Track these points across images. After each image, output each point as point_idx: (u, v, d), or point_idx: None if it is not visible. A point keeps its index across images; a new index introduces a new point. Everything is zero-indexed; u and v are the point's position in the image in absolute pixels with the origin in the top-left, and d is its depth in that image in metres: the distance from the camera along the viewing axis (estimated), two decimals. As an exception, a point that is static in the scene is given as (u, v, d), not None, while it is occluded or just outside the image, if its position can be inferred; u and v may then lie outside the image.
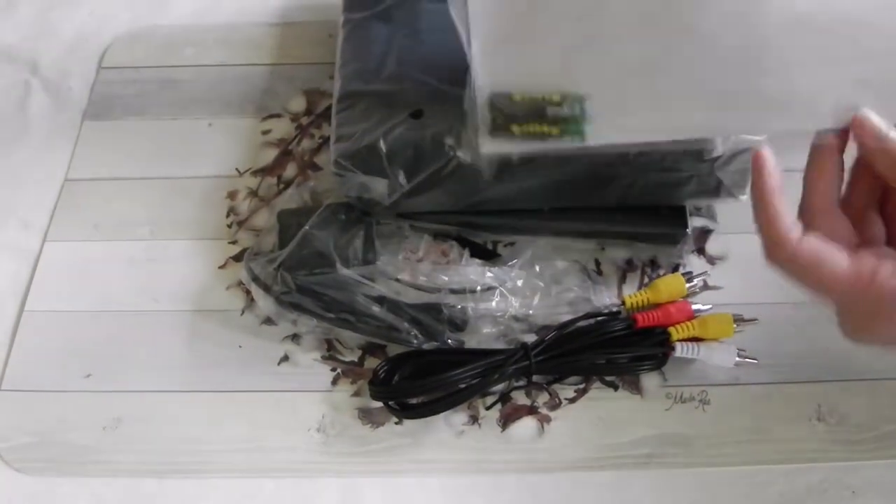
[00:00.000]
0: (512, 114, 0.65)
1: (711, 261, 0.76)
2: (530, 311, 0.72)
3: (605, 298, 0.71)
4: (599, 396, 0.71)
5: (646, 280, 0.75)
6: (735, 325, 0.71)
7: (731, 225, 0.77)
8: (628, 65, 0.63)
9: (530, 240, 0.76)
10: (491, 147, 0.66)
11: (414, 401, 0.69)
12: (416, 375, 0.70)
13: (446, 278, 0.72)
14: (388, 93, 0.75)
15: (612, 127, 0.64)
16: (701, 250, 0.77)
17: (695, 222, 0.77)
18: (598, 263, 0.76)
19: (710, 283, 0.75)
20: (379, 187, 0.74)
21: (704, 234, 0.77)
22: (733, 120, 0.63)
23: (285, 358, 0.74)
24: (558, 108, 0.64)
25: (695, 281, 0.73)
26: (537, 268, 0.73)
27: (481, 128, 0.66)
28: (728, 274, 0.75)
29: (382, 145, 0.72)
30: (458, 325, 0.71)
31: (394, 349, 0.73)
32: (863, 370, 0.71)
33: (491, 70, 0.65)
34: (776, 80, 0.61)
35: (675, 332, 0.70)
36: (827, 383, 0.70)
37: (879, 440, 0.68)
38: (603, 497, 0.67)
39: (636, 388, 0.71)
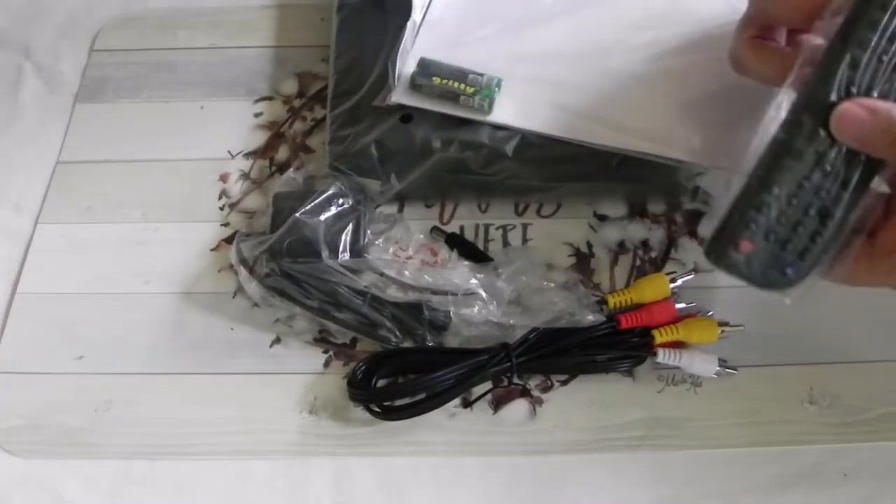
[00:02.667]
0: (435, 73, 0.75)
1: (703, 243, 0.76)
2: (511, 321, 0.71)
3: (589, 316, 0.70)
4: (591, 379, 0.71)
5: (637, 262, 0.75)
6: (720, 331, 0.70)
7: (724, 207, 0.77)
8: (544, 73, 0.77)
9: (522, 249, 0.77)
10: (402, 98, 0.76)
11: (393, 403, 0.69)
12: (395, 375, 0.70)
13: (430, 279, 0.72)
14: (379, 93, 0.77)
15: (515, 112, 0.75)
16: (692, 233, 0.77)
17: (687, 205, 0.78)
18: (590, 246, 0.76)
19: (702, 267, 0.74)
20: (373, 187, 0.76)
21: (696, 216, 0.77)
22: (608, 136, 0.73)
23: (277, 340, 0.74)
24: (478, 77, 0.75)
25: (679, 281, 0.73)
26: (524, 277, 0.72)
27: (401, 80, 0.76)
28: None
29: (374, 151, 0.75)
30: (439, 327, 0.71)
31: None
32: (855, 352, 0.71)
33: (426, 44, 0.79)
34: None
35: (659, 335, 0.70)
36: (819, 366, 0.70)
37: (871, 423, 0.68)
38: (595, 479, 0.67)
39: (628, 371, 0.71)
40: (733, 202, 0.58)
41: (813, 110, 0.56)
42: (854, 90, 0.55)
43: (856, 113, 0.54)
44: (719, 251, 0.58)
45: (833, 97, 0.55)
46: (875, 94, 0.55)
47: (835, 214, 0.56)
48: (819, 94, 0.55)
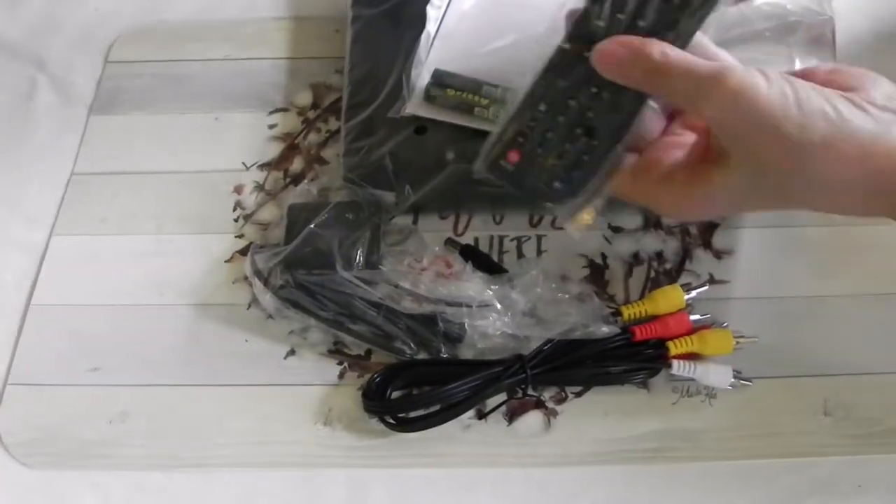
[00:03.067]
0: (450, 84, 0.76)
1: (718, 255, 0.76)
2: (525, 333, 0.71)
3: (603, 327, 0.70)
4: (606, 391, 0.71)
5: (652, 274, 0.75)
6: (735, 343, 0.70)
7: (738, 219, 0.78)
8: None
9: (537, 261, 0.77)
10: (416, 109, 0.76)
11: (408, 414, 0.69)
12: (409, 386, 0.70)
13: (445, 291, 0.72)
14: (394, 104, 0.78)
15: None
16: (707, 244, 0.77)
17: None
18: (604, 257, 0.76)
19: (717, 277, 0.74)
20: (387, 198, 0.76)
21: (710, 227, 0.77)
22: None
23: (292, 352, 0.74)
24: (493, 88, 0.75)
25: (693, 293, 0.73)
26: (538, 289, 0.72)
27: (416, 91, 0.77)
28: (734, 268, 0.75)
29: (388, 162, 0.76)
30: (454, 338, 0.71)
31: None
32: (870, 364, 0.71)
33: (440, 56, 0.79)
34: None
35: (674, 347, 0.70)
36: (833, 377, 0.70)
37: (886, 434, 0.68)
38: (609, 491, 0.67)
39: (643, 382, 0.71)
40: (507, 117, 0.58)
41: (576, 38, 0.56)
42: (620, 17, 0.55)
43: (612, 49, 0.55)
44: (491, 161, 0.59)
45: (595, 25, 0.55)
46: (642, 25, 0.55)
47: (602, 135, 0.57)
48: (583, 23, 0.56)
